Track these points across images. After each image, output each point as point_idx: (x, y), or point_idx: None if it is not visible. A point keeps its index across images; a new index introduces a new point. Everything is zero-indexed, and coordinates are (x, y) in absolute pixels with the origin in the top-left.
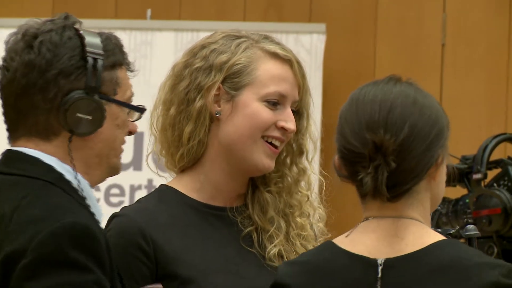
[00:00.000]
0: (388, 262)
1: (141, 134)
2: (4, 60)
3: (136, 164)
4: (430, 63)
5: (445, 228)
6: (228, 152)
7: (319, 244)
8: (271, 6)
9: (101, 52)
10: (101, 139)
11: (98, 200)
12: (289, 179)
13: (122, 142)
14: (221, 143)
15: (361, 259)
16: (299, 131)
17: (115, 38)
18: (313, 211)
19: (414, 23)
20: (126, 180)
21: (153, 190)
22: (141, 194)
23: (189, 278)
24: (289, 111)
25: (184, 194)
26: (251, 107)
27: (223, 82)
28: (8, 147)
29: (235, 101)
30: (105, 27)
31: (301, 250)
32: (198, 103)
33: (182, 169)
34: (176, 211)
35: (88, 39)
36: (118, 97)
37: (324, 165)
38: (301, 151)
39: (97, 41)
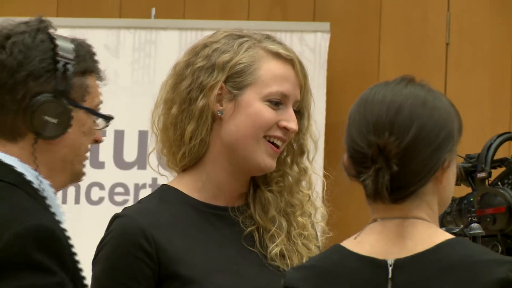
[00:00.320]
0: (398, 263)
1: (146, 133)
2: None
3: (141, 163)
4: (434, 62)
5: (450, 227)
6: (230, 151)
7: (320, 243)
8: (275, 5)
9: (72, 57)
10: (66, 144)
11: (102, 199)
12: (290, 178)
13: (87, 150)
14: (223, 142)
15: (371, 261)
16: (300, 131)
17: (88, 45)
18: (314, 210)
19: (418, 22)
20: (131, 179)
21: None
22: (145, 193)
23: (190, 278)
24: (291, 111)
25: (186, 194)
26: (254, 107)
27: (225, 81)
28: None
29: (237, 101)
30: (110, 26)
31: (302, 250)
32: (200, 102)
33: (184, 169)
34: (178, 211)
35: (61, 43)
36: (86, 103)
37: (327, 163)
38: (302, 151)
39: (69, 46)
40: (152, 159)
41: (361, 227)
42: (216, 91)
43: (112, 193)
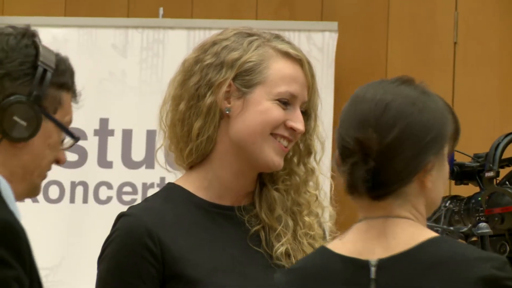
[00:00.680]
0: (381, 263)
1: (154, 132)
2: None
3: (149, 162)
4: (442, 61)
5: (458, 226)
6: (237, 149)
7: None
8: (283, 4)
9: (53, 67)
10: (30, 151)
11: (110, 198)
12: (297, 177)
13: (48, 166)
14: (230, 140)
15: (353, 262)
16: (307, 132)
17: (69, 63)
18: (322, 210)
19: (426, 21)
20: (139, 178)
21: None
22: (153, 192)
23: (194, 279)
24: (298, 112)
25: (191, 193)
26: (263, 105)
27: (234, 79)
28: None
29: (246, 99)
30: (118, 25)
31: (308, 249)
32: (208, 99)
33: (191, 166)
34: (182, 210)
35: (43, 52)
36: (57, 117)
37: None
38: (309, 152)
39: (51, 56)
40: (160, 156)
41: None
42: (224, 88)
43: (120, 193)
